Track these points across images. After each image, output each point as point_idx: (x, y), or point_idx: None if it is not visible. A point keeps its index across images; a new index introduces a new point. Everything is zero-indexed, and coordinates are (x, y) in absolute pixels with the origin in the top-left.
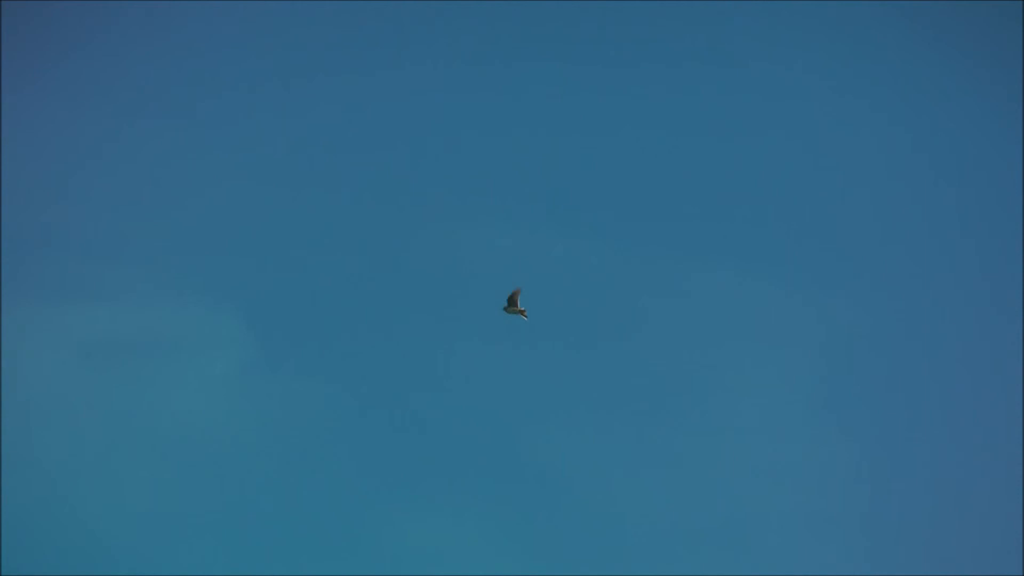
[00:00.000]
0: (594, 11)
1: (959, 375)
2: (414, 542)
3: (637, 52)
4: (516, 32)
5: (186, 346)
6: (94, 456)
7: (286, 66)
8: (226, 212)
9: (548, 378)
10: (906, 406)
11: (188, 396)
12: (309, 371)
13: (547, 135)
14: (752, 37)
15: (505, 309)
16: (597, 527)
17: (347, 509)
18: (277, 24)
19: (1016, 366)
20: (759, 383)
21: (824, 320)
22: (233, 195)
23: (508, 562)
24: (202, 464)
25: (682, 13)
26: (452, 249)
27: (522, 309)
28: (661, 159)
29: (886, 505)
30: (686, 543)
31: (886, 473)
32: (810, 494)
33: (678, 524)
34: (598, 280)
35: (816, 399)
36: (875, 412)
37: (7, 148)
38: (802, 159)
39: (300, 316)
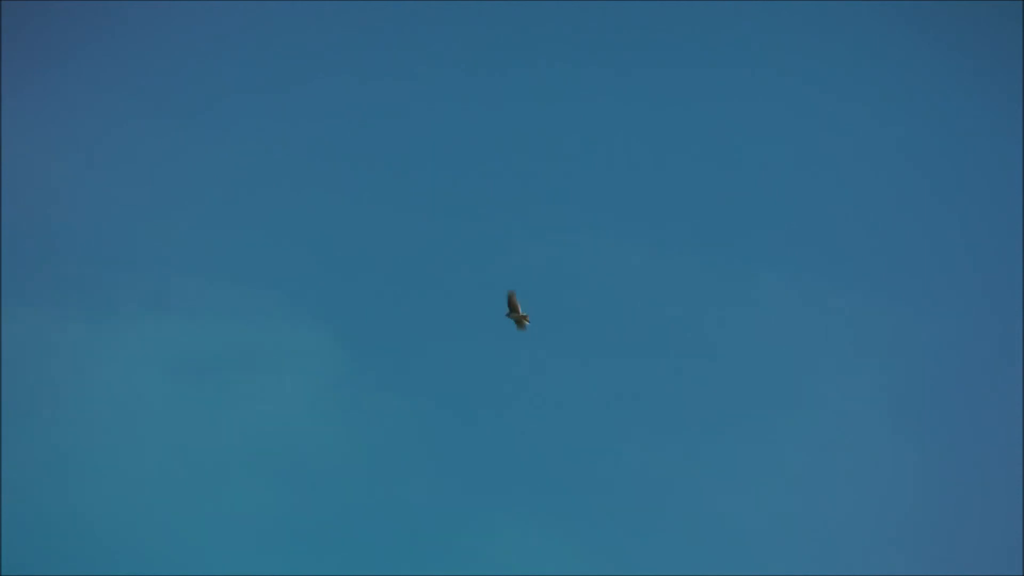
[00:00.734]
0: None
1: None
2: (503, 555)
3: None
4: (551, 33)
5: (276, 361)
6: (186, 472)
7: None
8: (315, 227)
9: (635, 390)
10: (979, 415)
11: (279, 411)
12: (399, 385)
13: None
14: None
15: (507, 315)
16: (682, 537)
17: (437, 521)
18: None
19: None
20: (840, 393)
21: (898, 332)
22: (322, 210)
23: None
24: (294, 479)
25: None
26: (544, 263)
27: (524, 315)
28: (734, 170)
29: (954, 509)
30: (770, 552)
31: (958, 480)
32: (885, 501)
33: (763, 533)
34: (679, 291)
35: (894, 409)
36: (951, 421)
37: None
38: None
39: (390, 330)
